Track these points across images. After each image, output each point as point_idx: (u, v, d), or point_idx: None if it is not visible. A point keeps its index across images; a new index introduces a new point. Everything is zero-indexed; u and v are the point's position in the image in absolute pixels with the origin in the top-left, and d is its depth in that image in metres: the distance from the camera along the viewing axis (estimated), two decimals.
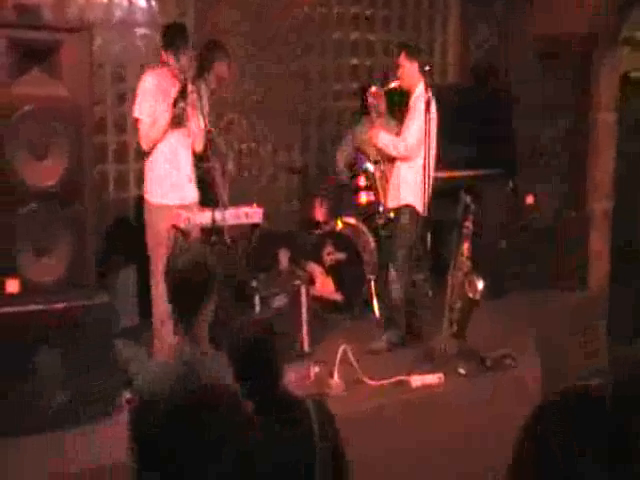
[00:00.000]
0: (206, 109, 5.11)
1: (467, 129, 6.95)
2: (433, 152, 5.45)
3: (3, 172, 4.17)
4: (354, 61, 7.47)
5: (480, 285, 5.32)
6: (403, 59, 5.52)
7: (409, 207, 5.53)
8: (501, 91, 7.34)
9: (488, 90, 7.38)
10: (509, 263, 6.87)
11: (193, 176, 5.12)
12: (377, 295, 6.24)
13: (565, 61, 7.17)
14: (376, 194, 5.89)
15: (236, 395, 2.26)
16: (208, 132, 5.02)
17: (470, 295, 5.34)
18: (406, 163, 5.53)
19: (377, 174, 5.82)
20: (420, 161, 5.37)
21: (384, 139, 5.61)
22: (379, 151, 5.74)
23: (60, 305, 4.28)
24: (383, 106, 6.10)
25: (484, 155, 6.95)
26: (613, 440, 1.66)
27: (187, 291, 2.82)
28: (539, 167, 7.27)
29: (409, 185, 5.52)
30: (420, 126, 5.34)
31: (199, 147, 5.11)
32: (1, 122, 4.14)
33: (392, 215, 5.64)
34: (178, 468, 2.11)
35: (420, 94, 5.43)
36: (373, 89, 5.87)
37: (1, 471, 3.88)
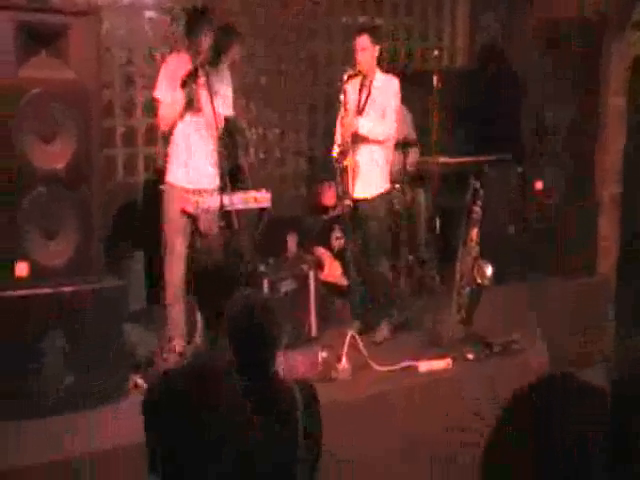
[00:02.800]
0: (226, 91, 5.10)
1: (475, 114, 6.93)
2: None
3: (11, 156, 4.15)
4: None
5: (489, 271, 5.31)
6: (366, 41, 5.28)
7: (384, 193, 5.41)
8: (509, 75, 7.30)
9: (496, 75, 7.34)
10: (517, 249, 6.84)
11: (212, 161, 5.06)
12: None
13: (573, 45, 7.11)
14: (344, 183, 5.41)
15: (237, 395, 2.26)
16: (220, 116, 4.99)
17: (479, 281, 5.34)
18: (382, 147, 5.35)
19: (345, 162, 5.39)
20: (391, 145, 5.39)
21: (365, 123, 5.28)
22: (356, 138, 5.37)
23: (69, 288, 4.27)
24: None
25: (492, 140, 6.91)
26: (613, 440, 1.66)
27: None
28: (547, 152, 7.22)
29: (384, 170, 5.40)
30: (394, 107, 5.31)
31: (214, 132, 5.07)
32: (9, 106, 4.12)
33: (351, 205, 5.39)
34: (178, 468, 2.12)
35: (387, 78, 5.37)
36: (348, 73, 5.33)
37: (8, 453, 3.89)
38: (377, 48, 5.34)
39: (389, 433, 4.64)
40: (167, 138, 5.11)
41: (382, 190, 5.39)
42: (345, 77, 5.32)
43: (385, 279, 5.51)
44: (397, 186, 6.07)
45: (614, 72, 7.01)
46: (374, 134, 5.28)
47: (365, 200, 5.36)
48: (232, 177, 5.18)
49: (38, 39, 4.20)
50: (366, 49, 5.29)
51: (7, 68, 4.12)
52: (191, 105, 4.97)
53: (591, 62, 7.06)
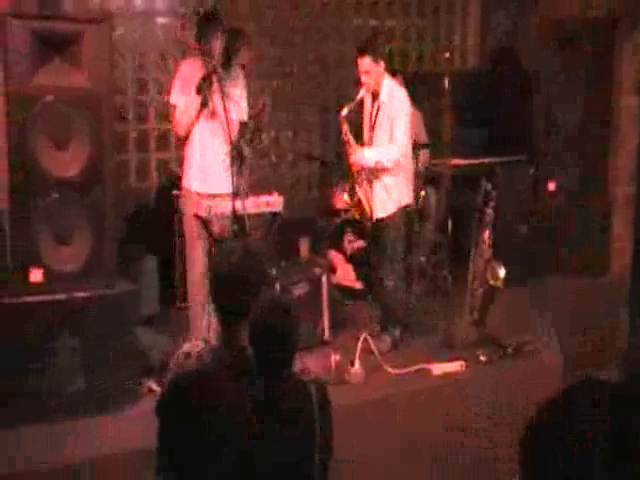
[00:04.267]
0: (240, 96, 5.11)
1: (486, 115, 6.92)
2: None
3: (25, 162, 4.19)
4: None
5: (502, 272, 5.30)
6: (369, 64, 5.16)
7: (403, 207, 5.36)
8: (520, 76, 7.29)
9: (507, 75, 7.33)
10: (530, 249, 6.83)
11: (226, 165, 5.01)
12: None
13: (585, 45, 7.09)
14: (360, 210, 5.43)
15: (238, 395, 2.29)
16: (233, 121, 5.00)
17: (491, 282, 5.33)
18: (396, 167, 5.25)
19: (360, 193, 5.39)
20: (409, 156, 5.34)
21: (370, 155, 5.25)
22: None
23: (82, 294, 4.29)
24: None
25: (504, 141, 6.91)
26: (613, 440, 1.66)
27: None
28: (560, 152, 7.21)
29: (400, 187, 5.32)
30: (405, 122, 5.21)
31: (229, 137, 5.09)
32: (23, 113, 4.16)
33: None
34: (178, 468, 2.14)
35: (390, 90, 5.25)
36: (344, 112, 5.25)
37: (19, 455, 3.92)
38: (382, 64, 5.22)
39: (401, 436, 4.64)
40: (182, 143, 5.14)
41: (394, 209, 5.32)
42: (343, 113, 5.25)
43: (391, 297, 5.43)
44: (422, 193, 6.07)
45: (625, 72, 7.00)
46: (381, 164, 5.23)
47: (380, 219, 5.36)
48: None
49: (51, 46, 4.22)
50: (369, 71, 5.19)
51: (21, 75, 4.15)
52: (206, 109, 5.00)
53: (602, 62, 7.05)
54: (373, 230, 5.48)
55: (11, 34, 4.11)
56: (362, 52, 5.23)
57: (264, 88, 6.88)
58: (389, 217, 5.32)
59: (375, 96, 5.30)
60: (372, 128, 5.33)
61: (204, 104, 4.96)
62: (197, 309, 5.09)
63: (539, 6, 7.22)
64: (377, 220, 5.36)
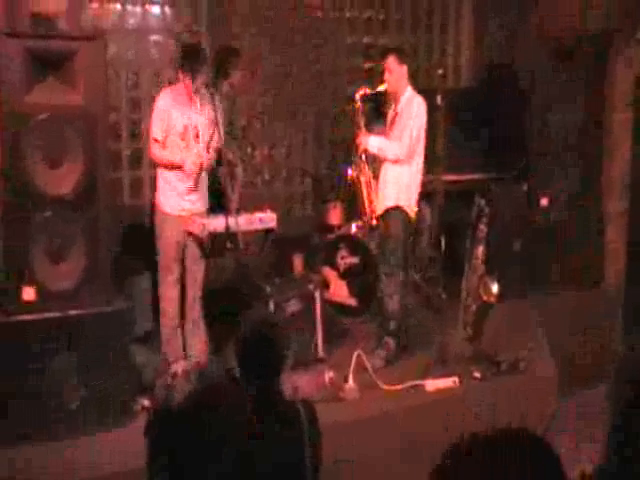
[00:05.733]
0: (220, 119, 5.15)
1: (479, 131, 6.95)
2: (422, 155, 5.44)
3: (18, 180, 4.20)
4: (368, 64, 7.46)
5: (495, 288, 5.32)
6: (392, 63, 5.34)
7: (399, 209, 5.35)
8: (513, 92, 7.32)
9: (500, 91, 7.36)
10: (523, 265, 6.84)
11: (201, 185, 5.14)
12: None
13: (578, 60, 7.13)
14: (361, 202, 5.54)
15: (238, 396, 2.29)
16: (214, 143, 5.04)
17: (485, 298, 5.34)
18: (399, 165, 5.33)
19: (361, 178, 5.50)
20: (415, 164, 5.36)
21: (375, 142, 5.38)
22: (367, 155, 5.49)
23: (76, 312, 4.30)
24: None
25: (497, 157, 6.94)
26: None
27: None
28: (552, 168, 7.23)
29: (401, 187, 5.35)
30: (415, 128, 5.29)
31: (210, 161, 5.15)
32: (17, 130, 4.17)
33: (375, 222, 5.45)
34: (178, 468, 2.15)
35: (410, 97, 5.36)
36: (360, 92, 5.47)
37: (18, 474, 3.91)
38: (405, 68, 5.36)
39: (394, 452, 4.63)
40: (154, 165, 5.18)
41: (391, 204, 5.37)
42: (357, 95, 5.42)
43: (389, 304, 5.43)
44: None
45: (619, 87, 7.03)
46: (383, 153, 5.34)
47: (378, 222, 5.43)
48: (216, 203, 5.27)
49: (45, 64, 4.24)
50: (393, 71, 5.34)
51: (15, 93, 4.17)
52: (187, 139, 5.06)
53: (596, 77, 7.09)
54: (371, 235, 5.62)
55: (5, 52, 4.13)
56: (388, 51, 5.47)
57: (257, 104, 6.91)
58: (387, 212, 5.36)
59: (396, 102, 5.42)
60: (389, 131, 5.43)
61: (189, 135, 5.03)
62: (174, 331, 5.16)
63: (533, 22, 7.26)
64: (376, 223, 5.43)
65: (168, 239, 5.09)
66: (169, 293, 5.13)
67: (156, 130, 5.06)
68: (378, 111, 6.10)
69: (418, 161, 5.39)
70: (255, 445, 2.56)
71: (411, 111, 5.33)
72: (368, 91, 5.45)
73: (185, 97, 5.03)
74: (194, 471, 2.18)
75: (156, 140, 5.07)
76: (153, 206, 5.24)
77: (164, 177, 5.13)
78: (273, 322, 3.05)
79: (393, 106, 5.47)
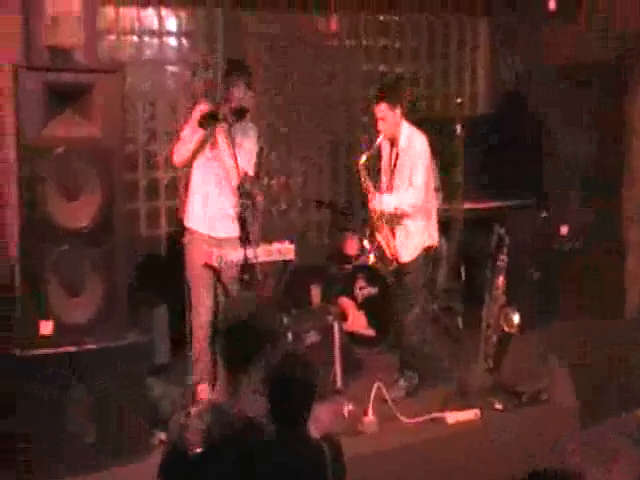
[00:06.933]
0: (249, 149, 5.14)
1: (497, 159, 6.92)
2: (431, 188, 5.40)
3: (35, 213, 4.18)
4: None
5: (516, 319, 5.25)
6: (385, 110, 5.20)
7: (425, 249, 5.34)
8: (531, 120, 7.29)
9: (516, 118, 7.34)
10: (543, 294, 6.77)
11: (230, 211, 5.09)
12: None
13: (596, 88, 7.11)
14: (379, 255, 5.48)
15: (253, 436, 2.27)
16: (241, 171, 5.00)
17: (506, 329, 5.28)
18: (416, 210, 5.26)
19: (379, 237, 5.42)
20: (428, 199, 5.31)
21: (389, 200, 5.28)
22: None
23: (92, 346, 4.28)
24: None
25: (516, 185, 6.89)
26: None
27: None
28: (570, 195, 7.18)
29: (421, 230, 5.31)
30: (423, 166, 5.22)
31: (232, 184, 5.11)
32: (35, 164, 4.17)
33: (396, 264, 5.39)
34: None
35: (409, 134, 5.27)
36: (363, 159, 5.32)
37: None
38: (397, 110, 5.23)
39: None
40: (186, 184, 5.14)
41: (417, 253, 5.32)
42: (362, 161, 5.30)
43: (411, 341, 5.39)
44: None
45: (637, 116, 6.99)
46: (400, 210, 5.25)
47: (403, 264, 5.35)
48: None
49: (63, 97, 4.24)
50: (386, 117, 5.22)
51: (33, 126, 4.16)
52: (208, 150, 5.02)
53: (614, 105, 7.05)
54: (395, 275, 5.47)
55: (23, 85, 4.13)
56: (378, 98, 5.28)
57: (274, 134, 6.90)
58: (412, 261, 5.31)
59: (394, 142, 5.32)
60: (392, 173, 5.35)
61: (205, 140, 4.98)
62: (205, 358, 5.08)
63: (549, 49, 7.24)
64: (400, 265, 5.35)
65: (197, 261, 5.04)
66: (199, 320, 5.09)
67: (184, 130, 5.07)
68: None
69: (429, 195, 5.34)
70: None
71: (416, 151, 5.23)
72: (369, 153, 5.33)
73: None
74: None
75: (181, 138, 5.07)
76: (182, 231, 5.21)
77: (190, 194, 5.12)
78: (305, 361, 3.09)
79: (390, 146, 5.37)
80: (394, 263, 5.37)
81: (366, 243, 5.62)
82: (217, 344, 3.68)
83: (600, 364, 6.36)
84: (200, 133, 4.97)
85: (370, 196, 5.34)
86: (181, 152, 5.08)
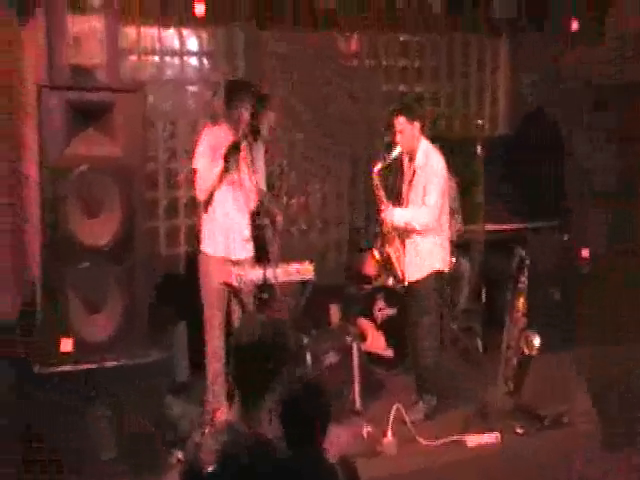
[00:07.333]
0: (261, 166, 5.14)
1: (518, 180, 6.89)
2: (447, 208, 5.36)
3: (57, 231, 4.21)
4: None
5: (537, 341, 5.20)
6: (403, 123, 5.21)
7: (435, 272, 5.29)
8: (552, 141, 7.26)
9: (539, 140, 7.31)
10: (564, 316, 6.72)
11: (248, 234, 5.11)
12: None
13: (614, 107, 7.08)
14: (390, 268, 5.49)
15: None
16: (260, 191, 5.02)
17: (526, 351, 5.22)
18: (427, 231, 5.23)
19: (389, 250, 5.43)
20: (443, 221, 5.28)
21: (401, 214, 5.27)
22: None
23: (112, 363, 4.29)
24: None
25: (537, 207, 6.86)
26: None
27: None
28: (593, 216, 7.14)
29: (432, 251, 5.27)
30: (439, 185, 5.20)
31: (252, 205, 5.11)
32: (57, 182, 4.20)
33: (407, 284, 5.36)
34: None
35: (427, 150, 5.26)
36: (377, 167, 5.32)
37: None
38: (416, 124, 5.24)
39: None
40: (204, 208, 5.12)
41: (426, 274, 5.27)
42: (375, 170, 5.30)
43: (426, 364, 5.34)
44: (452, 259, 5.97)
45: None
46: (411, 224, 5.23)
47: (411, 283, 5.32)
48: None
49: (85, 116, 4.28)
50: (404, 131, 5.23)
51: (55, 145, 4.20)
52: (229, 176, 5.00)
53: (636, 125, 7.02)
54: (405, 295, 5.43)
55: (45, 105, 4.17)
56: (397, 112, 5.31)
57: (293, 154, 6.91)
58: (420, 282, 5.27)
59: (412, 158, 5.31)
60: (409, 189, 5.33)
61: (227, 170, 4.97)
62: (221, 379, 5.06)
63: (571, 70, 7.23)
64: (409, 284, 5.31)
65: (212, 283, 5.03)
66: (214, 340, 5.07)
67: (198, 161, 5.03)
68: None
69: (443, 217, 5.31)
70: None
71: (432, 169, 5.21)
72: (384, 163, 5.31)
73: (226, 136, 5.01)
74: None
75: (197, 172, 5.04)
76: (197, 253, 5.20)
77: (209, 219, 5.10)
78: (318, 384, 3.06)
79: (408, 161, 5.35)
80: (404, 281, 5.35)
81: (376, 253, 5.57)
82: (231, 365, 3.65)
83: (622, 387, 6.30)
84: (221, 165, 4.95)
85: (383, 207, 5.33)
86: (205, 188, 5.01)
